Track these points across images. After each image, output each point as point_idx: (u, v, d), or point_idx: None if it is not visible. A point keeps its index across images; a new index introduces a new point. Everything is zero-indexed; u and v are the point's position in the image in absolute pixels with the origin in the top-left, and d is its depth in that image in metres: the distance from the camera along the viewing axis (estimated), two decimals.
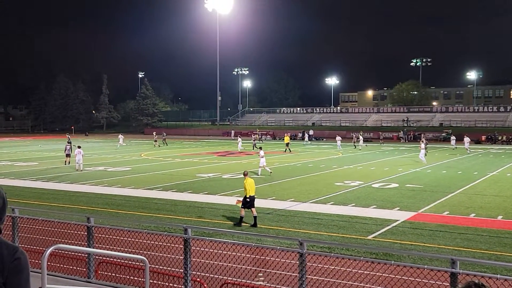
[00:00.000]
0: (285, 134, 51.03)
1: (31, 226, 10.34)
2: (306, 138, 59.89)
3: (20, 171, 29.67)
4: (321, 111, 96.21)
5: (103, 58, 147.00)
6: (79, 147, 30.91)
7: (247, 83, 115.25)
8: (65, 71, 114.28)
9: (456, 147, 48.36)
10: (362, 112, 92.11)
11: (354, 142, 52.67)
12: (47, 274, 4.55)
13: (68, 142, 37.79)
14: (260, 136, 67.52)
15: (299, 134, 73.15)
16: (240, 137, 52.55)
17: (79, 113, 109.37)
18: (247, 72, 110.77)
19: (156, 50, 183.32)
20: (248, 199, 14.98)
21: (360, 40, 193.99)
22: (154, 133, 60.46)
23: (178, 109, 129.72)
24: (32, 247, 10.08)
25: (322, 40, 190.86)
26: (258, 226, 14.68)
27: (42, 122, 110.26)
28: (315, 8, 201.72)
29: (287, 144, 46.08)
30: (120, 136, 54.34)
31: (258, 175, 26.26)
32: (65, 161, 32.97)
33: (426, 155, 35.30)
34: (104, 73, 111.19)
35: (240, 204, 15.22)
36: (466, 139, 44.64)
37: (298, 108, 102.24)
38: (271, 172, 27.06)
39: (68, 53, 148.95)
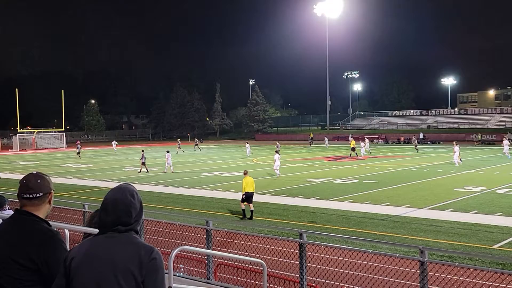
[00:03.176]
0: (350, 138, 49.26)
1: (155, 228, 10.99)
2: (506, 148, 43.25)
3: (143, 176, 31.65)
4: (437, 113, 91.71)
5: (216, 67, 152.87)
6: (167, 151, 34.56)
7: (357, 87, 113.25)
8: (181, 81, 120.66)
9: None
10: (483, 113, 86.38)
11: (416, 146, 51.01)
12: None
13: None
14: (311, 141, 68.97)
15: (413, 137, 70.55)
16: (278, 146, 51.71)
17: (194, 120, 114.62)
18: (357, 75, 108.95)
19: (266, 57, 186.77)
20: (243, 196, 17.26)
21: (479, 36, 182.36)
22: (195, 139, 66.11)
23: (288, 115, 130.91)
24: (157, 248, 10.70)
25: (436, 38, 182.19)
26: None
27: (162, 130, 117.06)
28: (426, 5, 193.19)
29: (353, 149, 44.29)
30: (114, 142, 65.13)
31: (277, 176, 28.82)
32: (140, 169, 33.76)
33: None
34: (216, 82, 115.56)
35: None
36: None
37: (412, 111, 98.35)
38: (278, 176, 28.80)
39: (183, 63, 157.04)
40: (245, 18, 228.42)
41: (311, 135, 74.68)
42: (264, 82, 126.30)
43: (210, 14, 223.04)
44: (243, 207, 17.29)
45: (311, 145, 66.56)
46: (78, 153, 51.51)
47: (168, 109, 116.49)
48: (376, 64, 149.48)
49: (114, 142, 65.45)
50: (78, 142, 58.50)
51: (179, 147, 56.52)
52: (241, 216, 17.22)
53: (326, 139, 66.32)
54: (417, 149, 50.60)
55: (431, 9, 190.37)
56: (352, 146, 45.14)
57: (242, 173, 18.92)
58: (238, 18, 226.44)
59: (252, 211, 17.07)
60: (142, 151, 35.76)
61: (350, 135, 68.82)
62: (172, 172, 32.70)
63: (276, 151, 31.72)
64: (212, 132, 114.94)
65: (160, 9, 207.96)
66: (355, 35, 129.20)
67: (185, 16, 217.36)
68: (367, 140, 50.03)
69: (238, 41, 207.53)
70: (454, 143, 38.47)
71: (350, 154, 44.25)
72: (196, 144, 61.93)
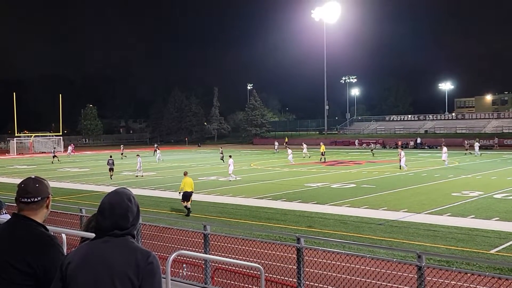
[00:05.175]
0: (321, 143, 49.97)
1: (152, 232, 10.97)
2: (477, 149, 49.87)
3: (140, 180, 31.61)
4: (434, 118, 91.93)
5: (214, 71, 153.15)
6: (138, 155, 35.19)
7: (355, 91, 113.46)
8: (179, 85, 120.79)
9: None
10: (480, 118, 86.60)
11: (372, 150, 55.45)
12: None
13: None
14: (276, 148, 65.51)
15: (410, 142, 70.75)
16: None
17: (192, 125, 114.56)
18: (355, 80, 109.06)
19: (264, 61, 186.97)
20: (186, 194, 19.01)
21: (476, 41, 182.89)
22: (155, 145, 65.15)
23: (286, 119, 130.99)
24: (154, 253, 10.69)
25: (433, 43, 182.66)
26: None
27: (159, 134, 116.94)
28: (425, 10, 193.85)
29: (323, 153, 45.63)
30: (70, 147, 64.66)
31: (230, 180, 29.61)
32: (111, 175, 32.66)
33: None
34: (214, 86, 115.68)
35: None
36: None
37: (409, 115, 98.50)
38: (235, 178, 29.92)
39: (181, 68, 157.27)
40: (243, 23, 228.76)
41: (286, 139, 75.65)
42: (262, 87, 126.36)
43: (208, 18, 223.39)
44: (185, 204, 19.05)
45: (276, 151, 63.58)
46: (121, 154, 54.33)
47: (166, 113, 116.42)
48: (373, 68, 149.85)
49: (70, 147, 64.96)
50: (72, 145, 58.85)
51: (122, 153, 56.61)
52: (185, 213, 18.93)
53: (276, 143, 66.99)
54: (373, 153, 53.72)
55: (429, 15, 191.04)
56: (322, 150, 46.23)
57: (183, 174, 20.85)
58: (236, 23, 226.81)
59: (189, 209, 18.91)
60: (110, 157, 35.26)
61: (302, 143, 69.82)
62: (141, 176, 33.17)
63: (230, 156, 31.94)
64: (210, 136, 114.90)
65: (159, 14, 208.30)
66: (352, 39, 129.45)
67: (184, 21, 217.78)
68: (305, 145, 52.96)
69: (236, 45, 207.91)
70: (399, 148, 40.89)
71: (320, 158, 45.68)
72: (155, 150, 62.48)
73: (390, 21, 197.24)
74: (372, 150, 56.09)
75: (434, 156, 49.20)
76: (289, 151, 45.63)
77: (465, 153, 50.63)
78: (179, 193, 19.49)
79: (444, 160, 37.94)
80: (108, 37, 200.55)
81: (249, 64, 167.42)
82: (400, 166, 35.21)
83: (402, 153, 35.90)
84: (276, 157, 53.02)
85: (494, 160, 43.57)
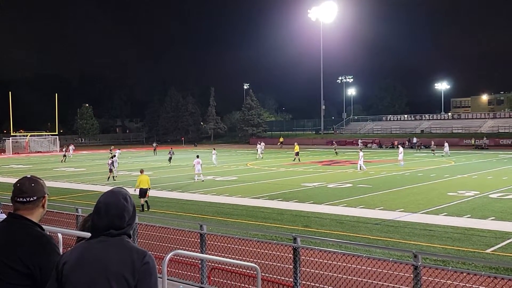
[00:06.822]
0: (295, 143, 49.68)
1: (148, 232, 10.96)
2: None
3: (136, 180, 31.50)
4: (431, 118, 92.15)
5: (210, 71, 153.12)
6: (114, 156, 35.21)
7: (352, 91, 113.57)
8: (176, 85, 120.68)
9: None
10: (476, 118, 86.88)
11: (335, 150, 57.50)
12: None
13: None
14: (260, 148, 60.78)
15: (406, 142, 70.91)
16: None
17: (188, 124, 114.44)
18: (352, 80, 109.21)
19: (260, 61, 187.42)
20: (142, 191, 20.05)
21: (472, 42, 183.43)
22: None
23: (282, 119, 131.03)
24: (151, 252, 10.66)
25: (430, 43, 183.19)
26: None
27: (155, 133, 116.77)
28: (420, 11, 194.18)
29: (297, 153, 45.37)
30: (71, 147, 61.54)
31: (195, 180, 29.78)
32: (108, 177, 31.94)
33: None
34: (211, 86, 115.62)
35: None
36: None
37: (405, 115, 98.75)
38: (203, 180, 29.64)
39: (178, 67, 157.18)
40: (240, 23, 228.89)
41: (281, 139, 75.99)
42: (259, 86, 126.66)
43: (206, 18, 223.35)
44: (142, 202, 20.00)
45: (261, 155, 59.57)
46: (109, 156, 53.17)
47: (162, 112, 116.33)
48: (370, 68, 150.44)
49: (71, 147, 61.09)
50: (72, 145, 58.55)
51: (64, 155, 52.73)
52: (140, 209, 19.56)
53: (263, 144, 60.75)
54: (336, 153, 55.28)
55: (425, 15, 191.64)
56: (296, 150, 45.97)
57: (139, 172, 22.30)
58: (233, 23, 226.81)
59: (142, 205, 19.89)
60: (113, 156, 35.00)
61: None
62: (116, 176, 32.74)
63: (197, 156, 31.48)
64: (206, 136, 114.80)
65: (157, 14, 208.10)
66: (349, 39, 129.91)
67: (181, 22, 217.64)
68: (263, 144, 54.29)
69: (232, 45, 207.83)
70: (360, 149, 41.86)
71: (294, 158, 45.41)
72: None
73: (387, 21, 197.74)
74: (335, 149, 57.16)
75: (430, 156, 49.35)
76: (214, 152, 44.77)
77: (432, 153, 50.99)
78: (135, 190, 20.11)
79: (400, 160, 38.07)
80: (105, 36, 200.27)
81: (246, 64, 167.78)
82: (359, 166, 34.75)
83: (361, 153, 35.77)
84: (263, 158, 53.04)
85: (490, 160, 43.69)
